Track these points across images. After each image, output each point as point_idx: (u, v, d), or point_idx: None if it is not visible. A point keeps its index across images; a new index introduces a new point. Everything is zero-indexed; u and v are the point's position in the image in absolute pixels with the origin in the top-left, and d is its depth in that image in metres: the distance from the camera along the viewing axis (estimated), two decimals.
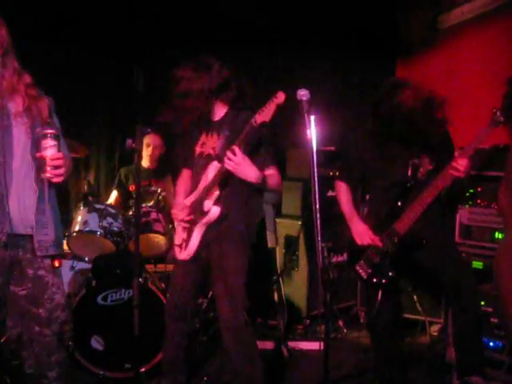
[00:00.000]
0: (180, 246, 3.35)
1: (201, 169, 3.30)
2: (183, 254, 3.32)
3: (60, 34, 5.39)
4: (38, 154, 2.42)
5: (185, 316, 3.47)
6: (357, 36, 5.64)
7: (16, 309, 2.43)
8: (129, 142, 2.69)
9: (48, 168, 2.39)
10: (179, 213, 3.34)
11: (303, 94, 2.81)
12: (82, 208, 4.65)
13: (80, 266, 4.64)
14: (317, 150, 2.73)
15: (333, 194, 4.43)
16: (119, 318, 3.88)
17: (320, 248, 2.81)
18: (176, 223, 3.48)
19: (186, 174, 3.56)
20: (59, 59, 5.32)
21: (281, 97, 2.88)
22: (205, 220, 3.20)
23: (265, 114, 2.91)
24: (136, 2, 5.50)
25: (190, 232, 3.30)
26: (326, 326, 2.86)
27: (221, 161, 3.14)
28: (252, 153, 3.12)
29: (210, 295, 4.42)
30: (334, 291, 4.95)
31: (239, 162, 2.99)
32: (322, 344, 4.35)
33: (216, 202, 3.20)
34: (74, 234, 4.54)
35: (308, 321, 5.04)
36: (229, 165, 3.01)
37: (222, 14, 5.58)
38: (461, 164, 3.24)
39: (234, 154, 2.98)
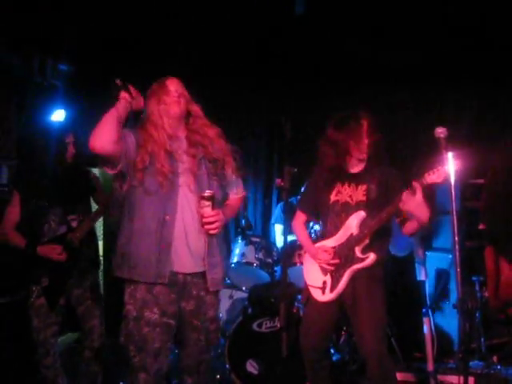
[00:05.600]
0: (322, 288, 3.43)
1: (337, 215, 3.43)
2: (327, 296, 3.41)
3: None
4: (197, 212, 2.91)
5: (325, 354, 3.59)
6: (490, 67, 5.59)
7: (180, 320, 2.92)
8: (278, 181, 3.00)
9: (204, 224, 2.88)
10: (322, 255, 3.43)
11: (441, 131, 2.97)
12: (240, 241, 5.12)
13: (238, 294, 4.96)
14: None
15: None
16: (273, 345, 4.13)
17: (460, 280, 2.89)
18: (309, 263, 3.56)
19: (302, 218, 3.68)
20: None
21: (457, 164, 2.98)
22: (360, 265, 3.33)
23: (436, 177, 3.04)
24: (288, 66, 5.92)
25: (333, 274, 3.41)
26: (463, 357, 2.89)
27: (368, 211, 3.31)
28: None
29: None
30: (479, 326, 4.83)
31: (420, 203, 3.09)
32: (473, 379, 4.37)
33: (366, 249, 3.35)
34: (233, 265, 4.97)
35: (460, 355, 4.99)
36: (407, 205, 3.10)
37: (363, 59, 5.80)
38: None
39: (415, 193, 3.08)
